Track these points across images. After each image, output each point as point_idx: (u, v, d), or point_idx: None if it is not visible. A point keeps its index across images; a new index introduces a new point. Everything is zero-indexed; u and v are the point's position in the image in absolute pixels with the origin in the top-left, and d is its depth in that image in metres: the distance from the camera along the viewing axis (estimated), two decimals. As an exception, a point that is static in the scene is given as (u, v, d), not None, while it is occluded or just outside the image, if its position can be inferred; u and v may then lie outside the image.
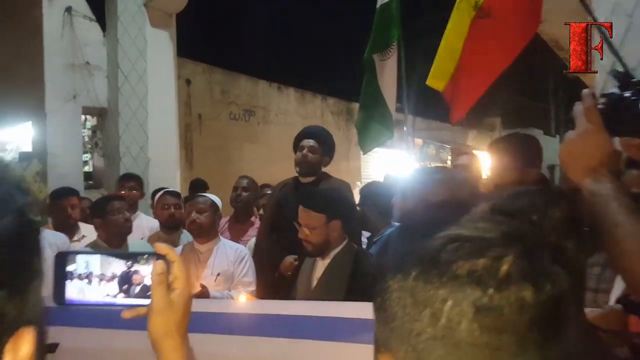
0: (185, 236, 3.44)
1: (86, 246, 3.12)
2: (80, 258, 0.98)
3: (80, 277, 0.98)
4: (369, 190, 3.42)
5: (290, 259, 2.85)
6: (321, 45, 8.51)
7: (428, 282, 0.51)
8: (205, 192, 4.95)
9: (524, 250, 0.51)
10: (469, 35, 2.97)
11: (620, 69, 2.22)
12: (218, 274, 2.90)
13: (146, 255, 0.97)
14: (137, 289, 0.98)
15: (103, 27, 5.65)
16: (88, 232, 3.44)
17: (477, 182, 2.18)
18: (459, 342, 0.49)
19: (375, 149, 9.67)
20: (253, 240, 3.52)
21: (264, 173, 6.41)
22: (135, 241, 3.31)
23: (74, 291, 0.96)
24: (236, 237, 3.63)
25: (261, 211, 3.91)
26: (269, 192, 4.00)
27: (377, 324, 0.59)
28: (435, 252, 0.52)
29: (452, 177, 2.02)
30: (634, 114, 0.89)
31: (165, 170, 5.45)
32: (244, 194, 3.84)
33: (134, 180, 4.13)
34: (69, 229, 3.47)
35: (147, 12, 5.51)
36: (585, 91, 0.94)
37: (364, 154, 5.13)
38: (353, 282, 2.37)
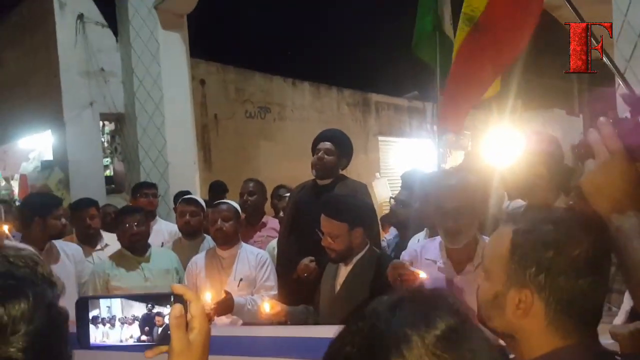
0: (208, 241, 3.46)
1: (110, 255, 3.17)
2: (102, 303, 1.00)
3: (103, 322, 1.00)
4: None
5: (306, 260, 2.89)
6: (334, 37, 8.41)
7: None
8: (225, 194, 5.02)
9: None
10: (461, 48, 2.88)
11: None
12: (241, 280, 2.94)
13: (170, 299, 0.98)
14: (160, 330, 0.99)
15: (115, 33, 5.67)
16: (111, 240, 3.48)
17: (489, 186, 2.15)
18: None
19: (395, 140, 9.58)
20: (274, 242, 3.55)
21: (281, 170, 6.42)
22: (157, 248, 3.34)
23: (99, 335, 0.99)
24: (247, 237, 3.66)
25: (281, 214, 3.90)
26: (285, 194, 3.99)
27: None
28: None
29: (465, 183, 2.01)
30: None
31: (184, 172, 5.48)
32: (250, 198, 3.89)
33: (153, 187, 4.21)
34: (91, 239, 3.52)
35: (158, 14, 5.50)
36: (601, 119, 0.90)
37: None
38: (375, 286, 2.39)
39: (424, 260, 2.21)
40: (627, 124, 0.90)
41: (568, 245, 0.90)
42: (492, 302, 0.97)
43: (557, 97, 12.77)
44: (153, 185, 4.27)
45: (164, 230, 3.93)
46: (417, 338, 0.61)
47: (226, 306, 2.65)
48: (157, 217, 4.11)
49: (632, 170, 0.88)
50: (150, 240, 3.30)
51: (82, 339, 0.97)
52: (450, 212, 2.00)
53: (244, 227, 3.79)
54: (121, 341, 0.98)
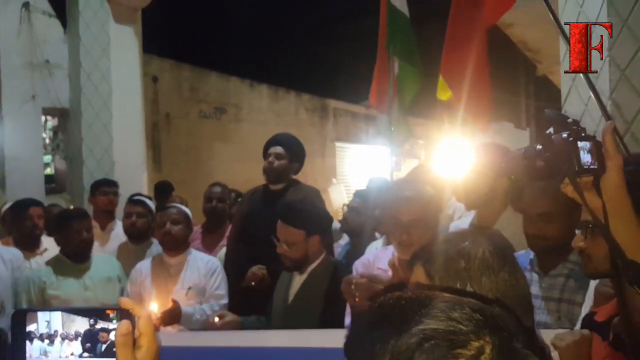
0: (156, 247, 3.30)
1: (47, 262, 2.96)
2: (41, 316, 0.92)
3: (41, 337, 0.92)
4: None
5: (254, 268, 2.82)
6: (294, 40, 8.40)
7: None
8: (171, 194, 4.83)
9: (501, 341, 0.51)
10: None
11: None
12: (189, 288, 2.82)
13: (113, 313, 0.92)
14: (104, 347, 0.93)
15: (63, 24, 5.40)
16: (50, 244, 3.26)
17: (443, 199, 2.19)
18: None
19: (351, 146, 9.69)
20: (224, 249, 3.45)
21: (236, 173, 6.30)
22: (98, 255, 3.12)
23: (35, 351, 0.91)
24: (210, 247, 3.53)
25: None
26: (237, 199, 3.88)
27: None
28: (411, 352, 0.51)
29: (419, 195, 2.03)
30: (569, 155, 0.88)
31: (131, 172, 5.24)
32: (219, 205, 3.71)
33: (115, 186, 3.89)
34: (30, 243, 3.27)
35: (110, 7, 5.26)
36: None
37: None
38: (330, 295, 2.35)
39: (377, 269, 2.20)
40: (554, 142, 0.91)
41: (471, 250, 0.95)
42: None
43: (506, 110, 13.29)
44: (114, 184, 3.92)
45: (121, 235, 3.67)
46: None
47: (173, 316, 2.53)
48: (117, 220, 3.76)
49: None
50: (109, 246, 3.09)
51: (17, 357, 0.90)
52: (405, 224, 1.98)
53: (206, 236, 3.65)
54: (61, 358, 0.91)
